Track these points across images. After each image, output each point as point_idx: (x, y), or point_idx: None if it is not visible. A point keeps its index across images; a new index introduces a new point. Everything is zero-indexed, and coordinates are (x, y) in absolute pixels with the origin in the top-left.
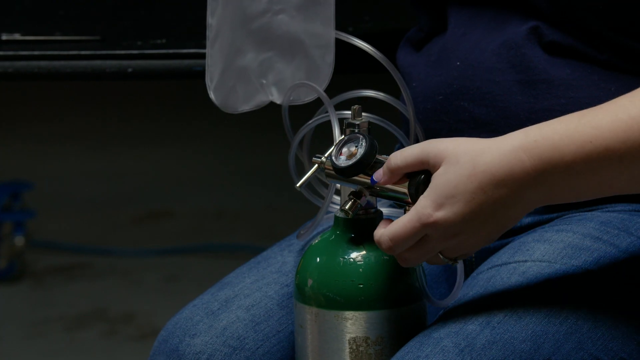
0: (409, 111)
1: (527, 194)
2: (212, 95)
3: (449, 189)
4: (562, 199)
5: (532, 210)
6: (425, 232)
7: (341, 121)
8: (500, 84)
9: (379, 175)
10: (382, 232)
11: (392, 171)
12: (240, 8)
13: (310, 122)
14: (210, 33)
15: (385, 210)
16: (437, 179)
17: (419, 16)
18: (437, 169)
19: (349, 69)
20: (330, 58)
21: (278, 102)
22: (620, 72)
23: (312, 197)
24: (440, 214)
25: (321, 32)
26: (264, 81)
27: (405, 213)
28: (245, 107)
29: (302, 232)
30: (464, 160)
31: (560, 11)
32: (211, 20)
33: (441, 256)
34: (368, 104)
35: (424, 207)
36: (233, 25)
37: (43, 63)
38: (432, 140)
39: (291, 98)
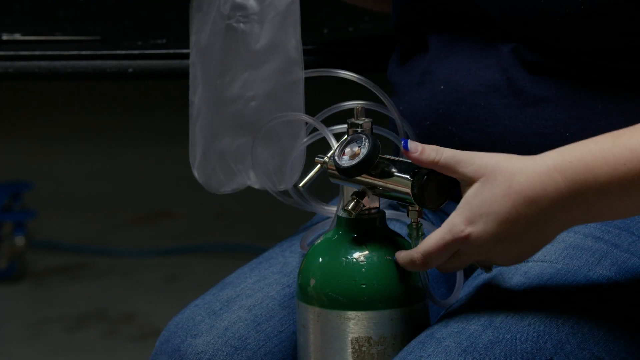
0: (394, 115)
1: (561, 214)
2: (195, 174)
3: (483, 208)
4: (598, 218)
5: (567, 229)
6: (457, 247)
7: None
8: (486, 108)
9: (414, 146)
10: (415, 249)
11: (426, 154)
12: (216, 91)
13: (303, 141)
14: (192, 111)
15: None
16: (471, 196)
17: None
18: (472, 184)
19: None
20: (302, 147)
21: (256, 186)
22: (605, 87)
23: (307, 204)
24: (471, 229)
25: (291, 121)
26: (241, 166)
27: (407, 214)
28: (227, 189)
29: (305, 244)
30: (500, 180)
31: (526, 35)
32: (193, 98)
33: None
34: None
35: (456, 224)
36: (210, 108)
37: (43, 63)
38: (474, 153)
39: (268, 184)
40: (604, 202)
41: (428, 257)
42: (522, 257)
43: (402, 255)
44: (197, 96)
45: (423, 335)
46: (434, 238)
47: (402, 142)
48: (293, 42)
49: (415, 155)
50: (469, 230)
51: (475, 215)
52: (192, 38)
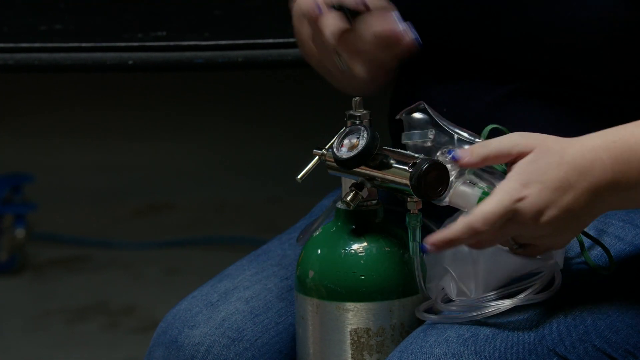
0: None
1: (606, 194)
2: None
3: (537, 174)
4: (638, 203)
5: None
6: (512, 213)
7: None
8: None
9: (464, 153)
10: (472, 215)
11: (475, 154)
12: None
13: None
14: None
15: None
16: (525, 164)
17: None
18: (524, 157)
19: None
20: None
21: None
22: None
23: None
24: (527, 192)
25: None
26: None
27: (407, 205)
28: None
29: (301, 236)
30: (553, 151)
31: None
32: None
33: (510, 239)
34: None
35: (513, 187)
36: None
37: (43, 55)
38: (520, 132)
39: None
40: None
41: (488, 221)
42: (564, 237)
43: (459, 227)
44: None
45: (425, 325)
46: (491, 203)
47: (449, 153)
48: None
49: (468, 158)
50: (525, 192)
51: (531, 180)
52: None
